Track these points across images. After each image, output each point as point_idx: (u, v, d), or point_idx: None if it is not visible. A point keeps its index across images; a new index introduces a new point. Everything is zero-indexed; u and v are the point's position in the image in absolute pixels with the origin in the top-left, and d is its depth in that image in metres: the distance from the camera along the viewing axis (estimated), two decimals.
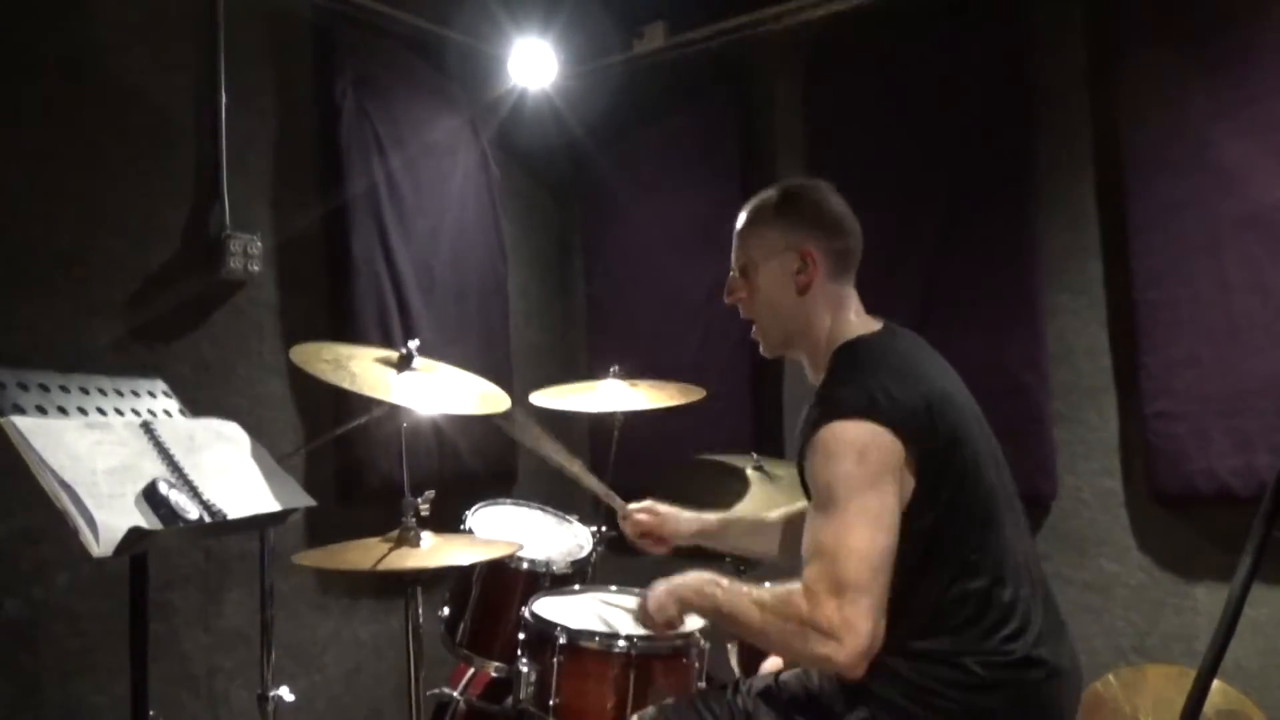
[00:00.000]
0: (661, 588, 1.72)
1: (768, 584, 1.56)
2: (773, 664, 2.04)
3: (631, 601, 2.35)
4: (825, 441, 1.49)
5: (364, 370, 2.11)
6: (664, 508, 2.14)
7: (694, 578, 1.67)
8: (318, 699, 3.01)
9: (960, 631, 1.50)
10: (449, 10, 3.48)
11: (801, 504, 2.04)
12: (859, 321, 1.70)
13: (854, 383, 1.54)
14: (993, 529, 1.55)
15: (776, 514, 2.08)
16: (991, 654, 1.49)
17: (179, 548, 2.65)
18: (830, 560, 1.42)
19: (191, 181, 2.76)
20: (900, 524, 1.47)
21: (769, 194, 1.76)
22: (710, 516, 2.13)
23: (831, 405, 1.51)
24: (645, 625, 1.78)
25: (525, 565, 2.40)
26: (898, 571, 1.46)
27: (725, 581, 1.60)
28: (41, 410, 1.56)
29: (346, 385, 2.04)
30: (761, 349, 1.80)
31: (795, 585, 1.46)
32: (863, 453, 1.45)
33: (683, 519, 2.12)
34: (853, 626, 1.39)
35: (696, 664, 2.13)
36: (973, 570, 1.52)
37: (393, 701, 3.17)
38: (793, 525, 2.03)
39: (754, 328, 1.78)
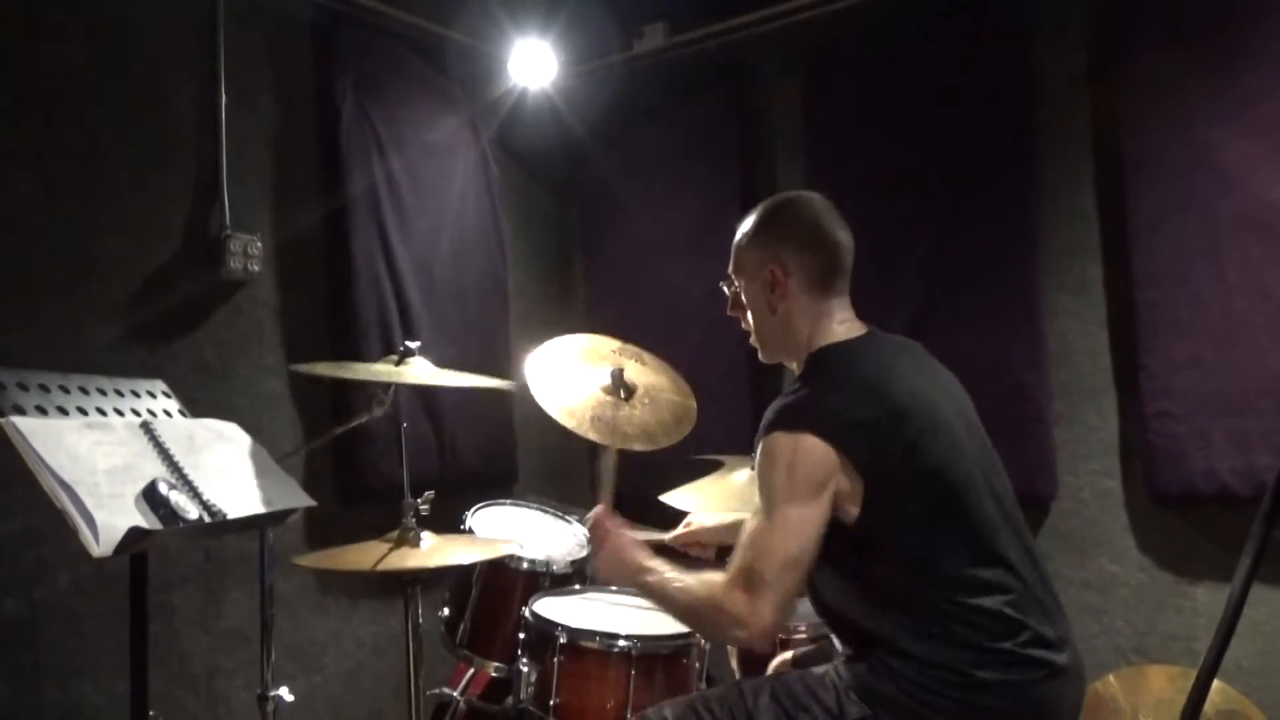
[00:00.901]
0: (611, 560, 1.83)
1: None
2: (782, 663, 2.04)
3: (632, 602, 2.36)
4: (765, 448, 1.60)
5: (363, 372, 2.12)
6: (697, 522, 2.29)
7: (634, 560, 1.79)
8: (318, 699, 3.01)
9: (957, 634, 1.51)
10: (449, 10, 3.48)
11: None
12: (842, 329, 1.73)
13: (806, 393, 1.63)
14: (984, 532, 1.57)
15: None
16: (990, 655, 1.50)
17: (179, 548, 2.65)
18: (750, 555, 1.56)
19: (191, 181, 2.76)
20: (859, 525, 1.55)
21: (757, 211, 1.81)
22: (729, 518, 2.22)
23: (777, 414, 1.61)
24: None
25: (525, 565, 2.40)
26: (888, 574, 1.54)
27: (660, 565, 1.74)
28: (41, 410, 1.56)
29: (360, 376, 2.05)
30: (760, 356, 1.87)
31: (719, 575, 1.60)
32: (791, 466, 1.55)
33: (709, 525, 2.26)
34: (757, 616, 1.52)
35: (697, 664, 2.14)
36: (967, 574, 1.53)
37: (393, 701, 3.17)
38: None
39: (752, 337, 1.86)
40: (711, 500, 2.46)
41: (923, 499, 1.55)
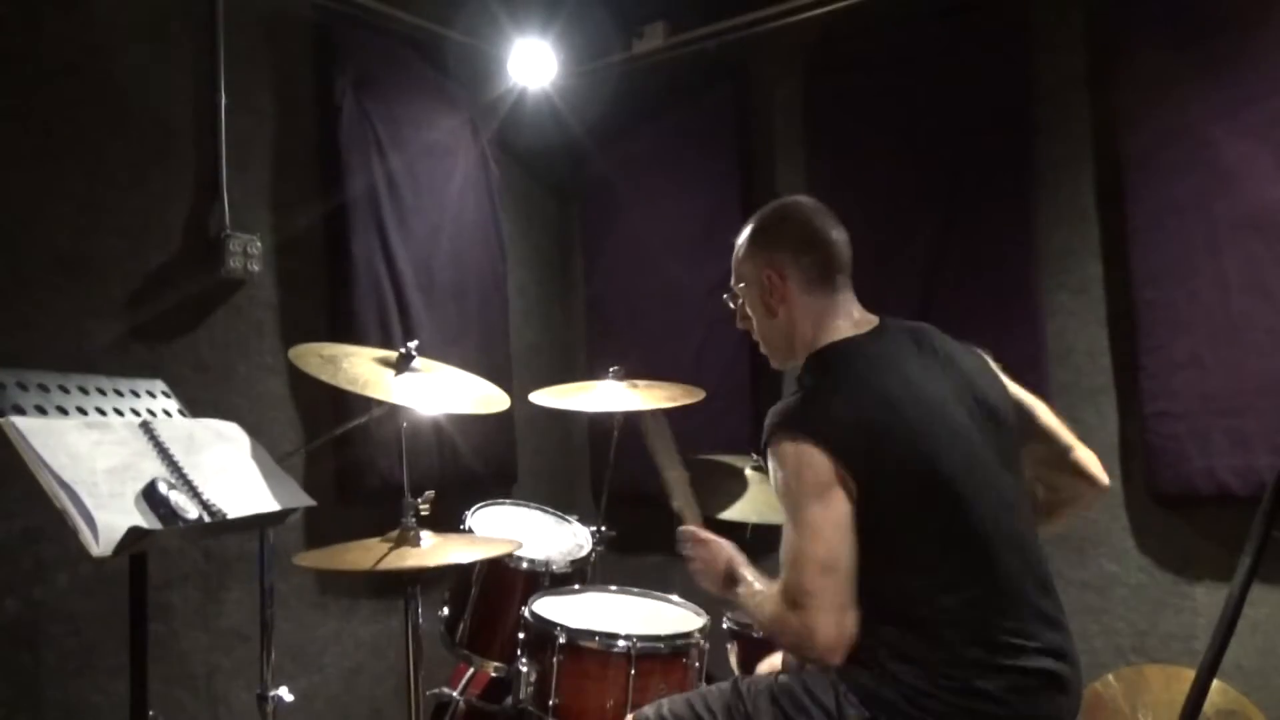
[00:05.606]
0: (706, 565, 1.81)
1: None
2: (769, 664, 2.04)
3: (631, 602, 2.36)
4: (772, 456, 1.61)
5: (362, 370, 2.11)
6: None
7: (724, 570, 1.78)
8: (317, 699, 3.01)
9: (956, 638, 1.51)
10: (449, 10, 3.48)
11: None
12: (846, 324, 1.73)
13: (800, 397, 1.64)
14: (985, 538, 1.55)
15: None
16: (991, 663, 1.50)
17: (179, 548, 2.65)
18: (790, 569, 1.55)
19: (191, 181, 2.76)
20: (861, 532, 1.53)
21: (750, 223, 1.84)
22: None
23: (776, 420, 1.62)
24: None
25: (525, 565, 2.40)
26: (886, 578, 1.52)
27: (749, 576, 1.73)
28: (41, 410, 1.56)
29: (346, 387, 2.05)
30: (772, 365, 1.88)
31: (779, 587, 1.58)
32: (798, 470, 1.56)
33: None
34: (814, 629, 1.50)
35: (696, 664, 2.14)
36: (967, 577, 1.53)
37: (393, 701, 3.17)
38: None
39: (762, 346, 1.87)
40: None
41: (921, 504, 1.55)
